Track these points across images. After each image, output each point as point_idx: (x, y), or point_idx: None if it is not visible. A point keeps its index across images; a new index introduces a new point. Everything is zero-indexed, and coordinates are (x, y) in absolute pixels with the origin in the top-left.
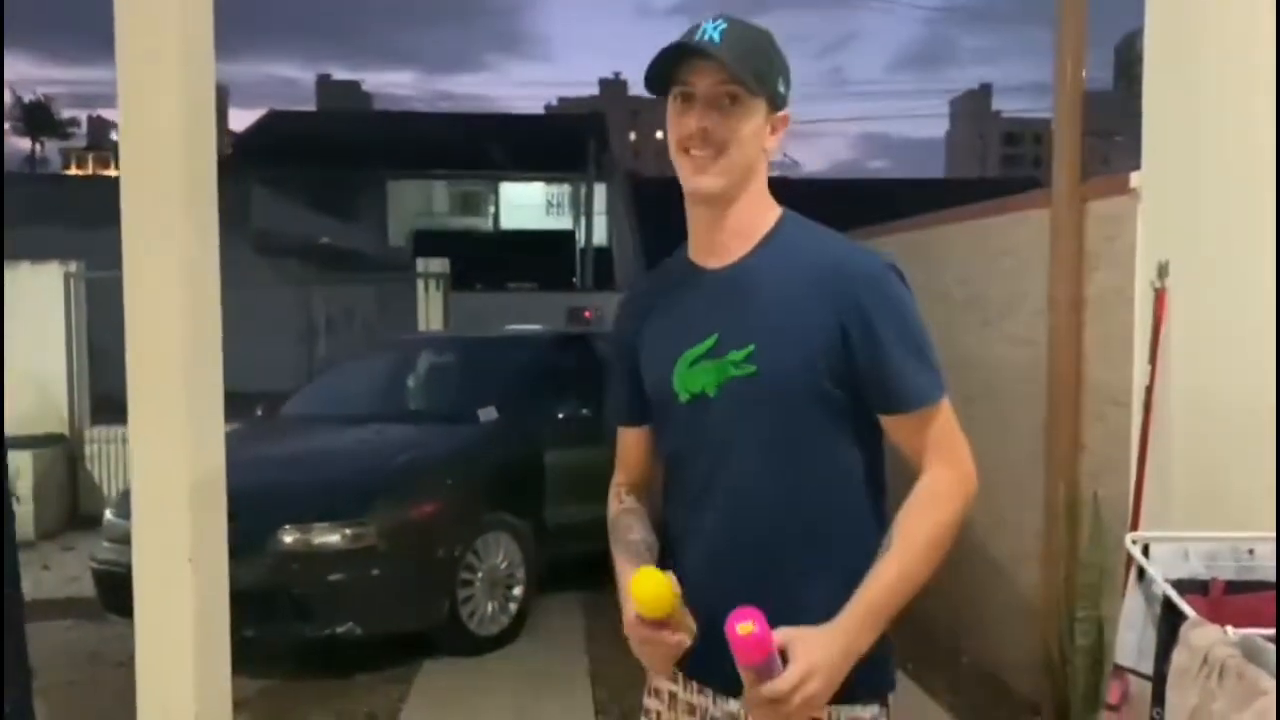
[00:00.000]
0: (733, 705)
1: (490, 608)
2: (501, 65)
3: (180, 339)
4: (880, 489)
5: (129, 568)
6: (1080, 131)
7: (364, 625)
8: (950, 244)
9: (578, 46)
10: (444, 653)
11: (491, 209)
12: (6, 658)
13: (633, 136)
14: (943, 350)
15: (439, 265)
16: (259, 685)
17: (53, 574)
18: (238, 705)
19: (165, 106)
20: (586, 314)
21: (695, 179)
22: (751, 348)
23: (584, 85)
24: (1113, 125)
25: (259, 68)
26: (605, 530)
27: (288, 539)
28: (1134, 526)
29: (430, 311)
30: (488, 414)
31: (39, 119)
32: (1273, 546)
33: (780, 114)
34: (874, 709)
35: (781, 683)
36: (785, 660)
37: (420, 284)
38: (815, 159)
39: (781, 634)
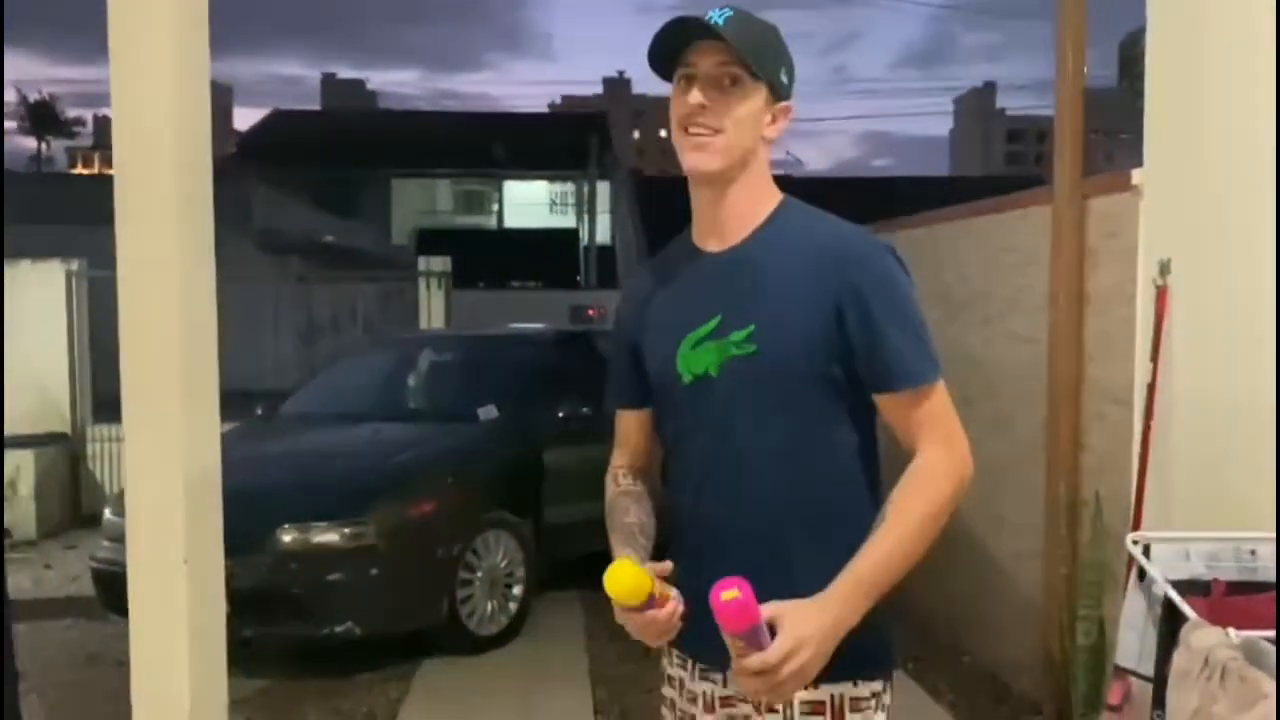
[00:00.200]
0: (732, 688)
1: (490, 607)
2: (506, 64)
3: (175, 337)
4: (875, 470)
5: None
6: (1081, 128)
7: (363, 625)
8: (951, 241)
9: (582, 45)
10: (443, 652)
11: (495, 207)
12: None
13: (636, 135)
14: (943, 348)
15: (440, 264)
16: (258, 684)
17: (54, 573)
18: (237, 704)
19: (158, 103)
20: (591, 312)
21: (692, 157)
22: (752, 328)
23: (588, 84)
24: (1117, 123)
25: (263, 66)
26: (605, 530)
27: (286, 538)
28: (1135, 526)
29: (432, 310)
30: (488, 412)
31: (45, 118)
32: (1274, 547)
33: (782, 104)
34: (876, 685)
35: (770, 654)
36: (774, 634)
37: (422, 282)
38: (819, 157)
39: (770, 608)
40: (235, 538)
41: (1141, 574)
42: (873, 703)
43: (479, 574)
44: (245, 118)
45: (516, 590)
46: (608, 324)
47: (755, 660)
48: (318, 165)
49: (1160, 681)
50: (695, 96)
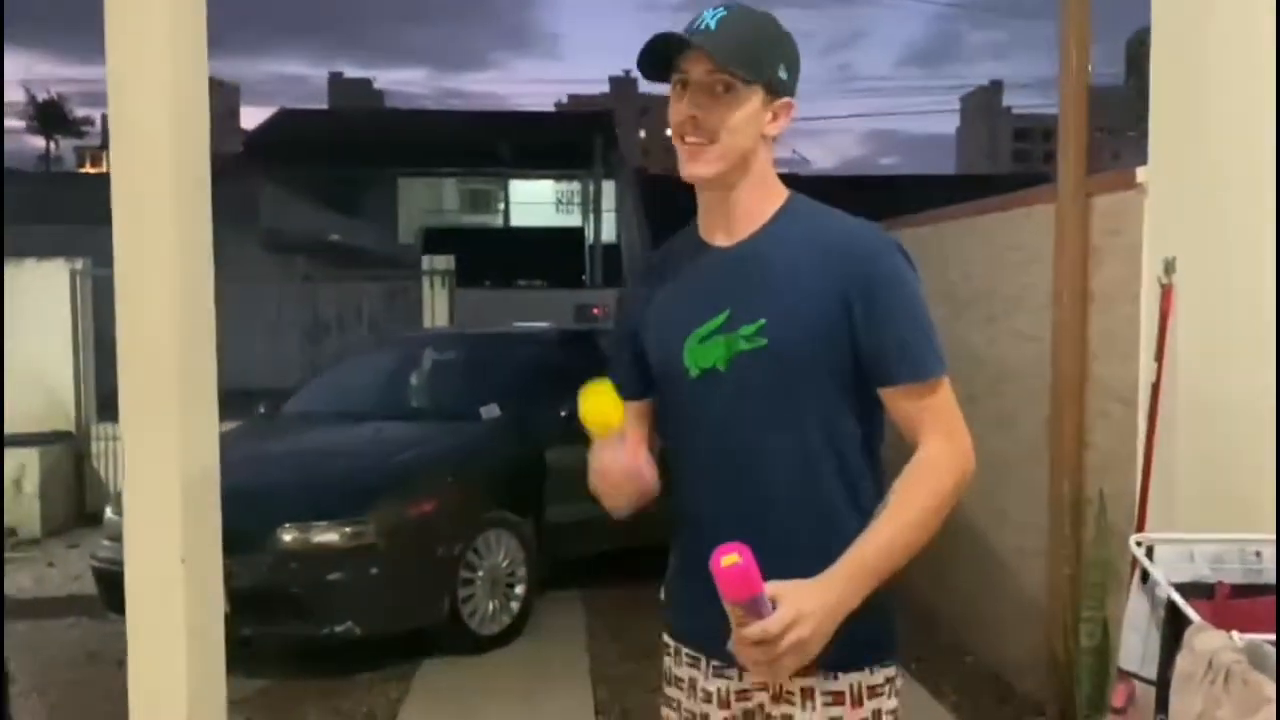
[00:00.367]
0: (747, 682)
1: (491, 606)
2: (511, 63)
3: (173, 337)
4: (879, 465)
5: None
6: (1085, 126)
7: (363, 624)
8: (955, 240)
9: (588, 44)
10: (444, 652)
11: (501, 206)
12: None
13: (642, 134)
14: (948, 345)
15: (444, 262)
16: (258, 684)
17: (57, 571)
18: (236, 704)
19: (156, 102)
20: (596, 310)
21: (689, 166)
22: (762, 322)
23: (594, 83)
24: (1125, 121)
25: (270, 65)
26: (607, 529)
27: (287, 537)
28: (1139, 526)
29: (436, 309)
30: (490, 411)
31: (53, 117)
32: (1275, 549)
33: (782, 101)
34: (889, 670)
35: (771, 623)
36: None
37: (426, 281)
38: (825, 156)
39: (772, 586)
40: (235, 537)
41: (1145, 576)
42: (887, 688)
43: (480, 573)
44: (252, 116)
45: (518, 590)
46: (612, 323)
47: (755, 629)
48: (324, 164)
49: (1163, 685)
50: (686, 108)
